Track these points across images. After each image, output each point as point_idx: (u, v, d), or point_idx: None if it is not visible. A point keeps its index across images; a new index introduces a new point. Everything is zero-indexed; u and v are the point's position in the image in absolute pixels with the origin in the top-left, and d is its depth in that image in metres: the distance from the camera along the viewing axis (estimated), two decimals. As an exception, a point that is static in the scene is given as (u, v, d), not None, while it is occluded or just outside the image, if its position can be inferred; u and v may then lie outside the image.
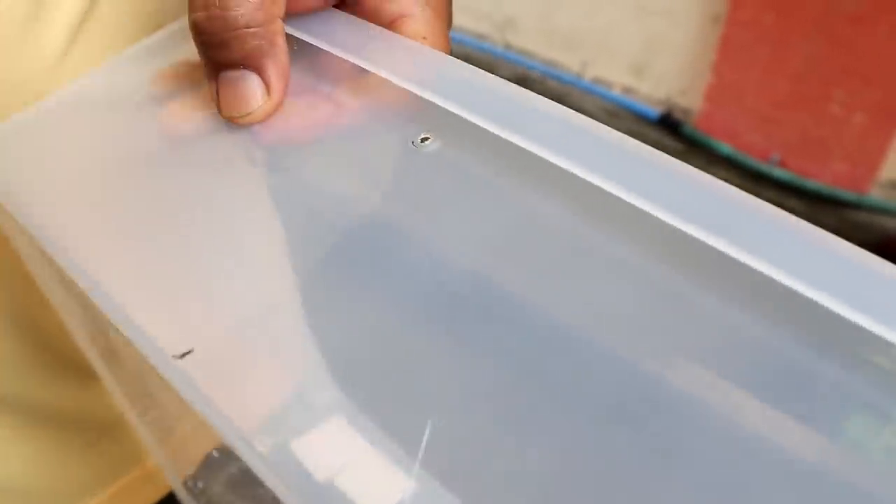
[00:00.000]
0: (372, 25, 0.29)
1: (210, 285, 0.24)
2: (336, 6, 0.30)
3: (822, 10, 1.21)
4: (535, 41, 1.65)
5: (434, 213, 0.25)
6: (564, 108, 0.24)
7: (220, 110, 0.27)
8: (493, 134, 0.23)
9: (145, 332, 0.22)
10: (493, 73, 0.26)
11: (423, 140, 0.25)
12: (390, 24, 0.29)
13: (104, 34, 0.35)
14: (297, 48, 0.29)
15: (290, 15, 0.28)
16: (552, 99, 0.24)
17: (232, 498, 0.34)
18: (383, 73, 0.27)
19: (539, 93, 0.24)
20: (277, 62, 0.26)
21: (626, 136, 0.23)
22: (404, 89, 0.26)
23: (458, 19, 1.73)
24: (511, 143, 0.23)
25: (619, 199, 0.22)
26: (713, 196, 0.21)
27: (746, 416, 0.18)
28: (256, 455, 0.20)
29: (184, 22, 0.29)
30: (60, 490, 0.42)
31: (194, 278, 0.24)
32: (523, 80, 1.59)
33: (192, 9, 0.26)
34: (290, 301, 0.24)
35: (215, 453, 0.33)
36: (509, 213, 0.24)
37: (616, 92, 1.58)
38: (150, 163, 0.28)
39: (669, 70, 1.49)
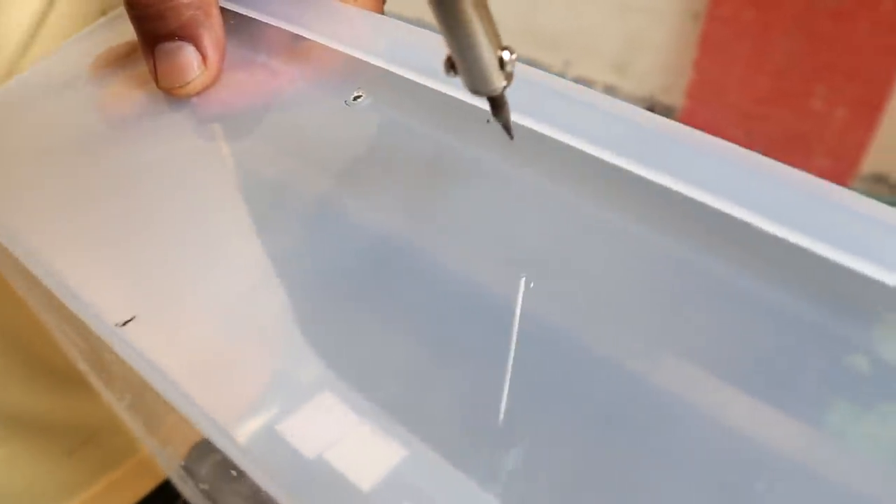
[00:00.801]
0: None
1: (176, 270, 0.24)
2: None
3: (802, 5, 1.21)
4: (516, 41, 1.65)
5: (370, 168, 0.25)
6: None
7: (156, 82, 0.27)
8: (421, 85, 0.24)
9: (102, 317, 0.22)
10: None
11: (355, 98, 0.26)
12: None
13: (62, 30, 0.35)
14: (234, 21, 0.29)
15: None
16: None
17: (225, 481, 0.34)
18: (315, 38, 0.27)
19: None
20: (213, 33, 0.27)
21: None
22: (336, 51, 0.27)
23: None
24: (441, 93, 0.23)
25: (546, 137, 0.22)
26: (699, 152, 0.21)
27: (728, 407, 0.18)
28: (236, 446, 0.19)
29: (122, 8, 0.29)
30: (40, 493, 0.41)
31: (158, 263, 0.24)
32: (505, 80, 1.58)
33: None
34: (253, 276, 0.24)
35: (204, 441, 0.34)
36: (437, 159, 0.24)
37: (599, 90, 1.58)
38: (95, 147, 0.28)
39: (651, 68, 1.50)
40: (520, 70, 0.20)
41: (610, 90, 1.57)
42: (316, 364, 0.21)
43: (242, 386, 0.21)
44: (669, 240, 0.21)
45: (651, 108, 1.50)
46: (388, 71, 0.25)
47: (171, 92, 0.27)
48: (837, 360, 0.18)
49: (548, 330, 0.20)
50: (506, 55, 0.18)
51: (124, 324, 0.22)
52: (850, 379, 0.17)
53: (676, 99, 1.47)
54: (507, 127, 0.20)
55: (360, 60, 0.26)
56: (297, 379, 0.21)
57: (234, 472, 0.20)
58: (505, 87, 0.19)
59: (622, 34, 1.50)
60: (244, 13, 0.29)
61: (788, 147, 1.35)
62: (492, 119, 0.20)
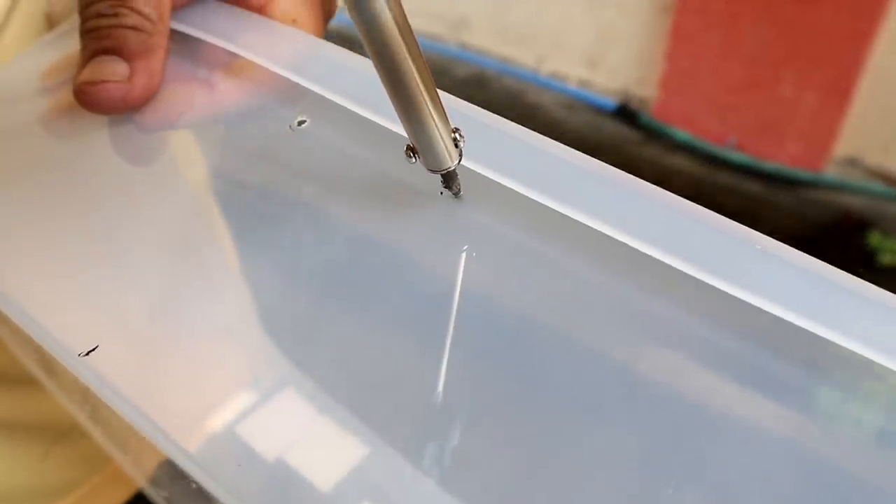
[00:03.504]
0: (244, 12, 0.30)
1: (124, 281, 0.24)
2: None
3: (768, -7, 1.23)
4: (489, 39, 1.66)
5: (319, 187, 0.25)
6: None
7: (74, 84, 0.27)
8: (356, 113, 0.25)
9: (56, 337, 0.22)
10: (448, 73, 0.27)
11: (300, 123, 0.27)
12: (260, 10, 0.30)
13: (26, 31, 0.35)
14: (179, 41, 0.29)
15: (171, 10, 0.29)
16: (510, 96, 0.25)
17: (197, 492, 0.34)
18: (256, 59, 0.28)
19: (496, 90, 0.25)
20: (150, 61, 0.27)
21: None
22: (275, 73, 0.27)
23: (412, 21, 1.72)
24: (375, 123, 0.25)
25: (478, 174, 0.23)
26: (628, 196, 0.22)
27: (716, 394, 0.19)
28: (184, 454, 0.20)
29: (75, 21, 0.29)
30: (17, 499, 0.41)
31: (109, 272, 0.24)
32: (479, 79, 1.59)
33: (84, 8, 0.27)
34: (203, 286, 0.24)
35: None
36: (387, 185, 0.25)
37: (572, 85, 1.59)
38: (43, 157, 0.28)
39: (624, 61, 1.51)
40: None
41: (584, 84, 1.58)
42: (275, 367, 0.21)
43: (202, 389, 0.21)
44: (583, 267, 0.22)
45: (625, 101, 1.52)
46: (325, 98, 0.26)
47: (84, 90, 0.27)
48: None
49: (498, 317, 0.21)
50: (457, 136, 0.22)
51: (88, 353, 0.22)
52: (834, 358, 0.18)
53: (649, 91, 1.48)
54: (456, 194, 0.24)
55: (301, 86, 0.27)
56: (257, 381, 0.21)
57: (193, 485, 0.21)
58: (457, 164, 0.22)
59: (594, 29, 1.51)
60: (188, 32, 0.30)
61: (761, 134, 1.37)
62: (444, 191, 0.23)
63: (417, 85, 0.20)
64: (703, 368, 0.19)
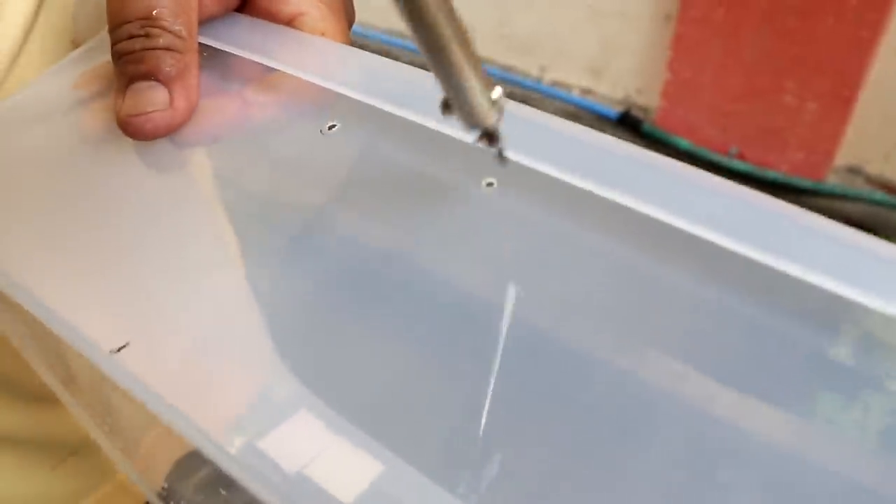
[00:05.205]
0: (274, 25, 0.30)
1: (157, 290, 0.24)
2: (236, 10, 0.31)
3: (770, 3, 1.23)
4: (492, 48, 1.67)
5: (348, 193, 0.26)
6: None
7: (118, 115, 0.27)
8: (390, 114, 0.25)
9: (96, 345, 0.22)
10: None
11: (330, 128, 0.27)
12: (288, 24, 0.31)
13: (53, 34, 0.36)
14: (207, 54, 0.30)
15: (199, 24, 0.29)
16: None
17: (203, 501, 0.34)
18: (287, 69, 0.28)
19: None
20: (186, 81, 0.27)
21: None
22: (307, 82, 0.28)
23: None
24: (409, 121, 0.24)
25: (524, 166, 0.23)
26: (666, 175, 0.22)
27: (718, 397, 0.19)
28: (226, 455, 0.20)
29: (104, 36, 0.29)
30: None
31: (139, 283, 0.25)
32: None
33: (114, 28, 0.27)
34: (238, 298, 0.24)
35: (185, 460, 0.34)
36: (422, 188, 0.25)
37: (575, 94, 1.60)
38: (77, 169, 0.29)
39: (626, 70, 1.51)
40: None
41: (586, 93, 1.58)
42: (296, 381, 0.21)
43: (223, 404, 0.21)
44: (639, 256, 0.22)
45: (627, 110, 1.52)
46: (359, 101, 0.26)
47: (129, 122, 0.27)
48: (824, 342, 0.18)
49: (529, 340, 0.20)
50: (495, 93, 0.21)
51: (119, 350, 0.22)
52: (836, 363, 0.18)
53: (652, 100, 1.49)
54: (501, 155, 0.22)
55: (332, 91, 0.27)
56: (278, 396, 0.21)
57: (222, 491, 0.21)
58: (497, 121, 0.21)
59: (596, 38, 1.51)
60: (217, 46, 0.30)
61: (763, 143, 1.37)
62: (488, 149, 0.22)
63: (451, 32, 0.18)
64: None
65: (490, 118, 0.21)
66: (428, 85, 0.25)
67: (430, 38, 0.18)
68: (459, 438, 0.19)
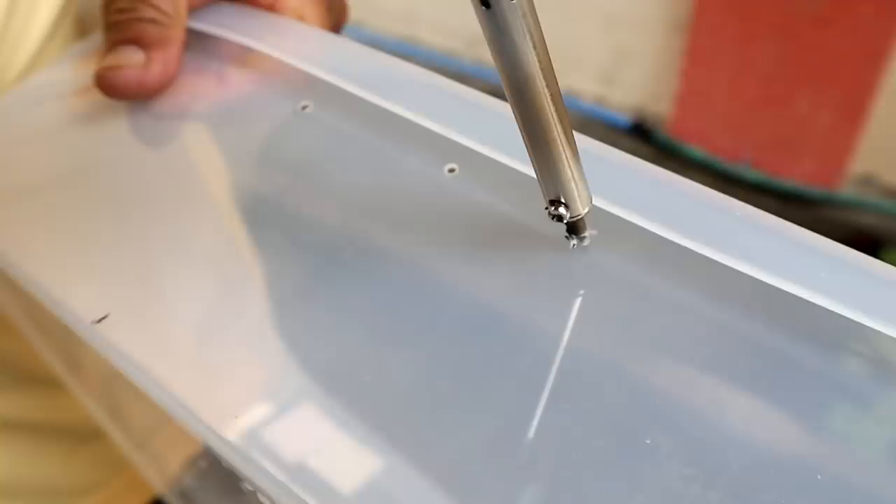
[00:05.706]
0: (255, 10, 0.32)
1: (158, 276, 0.25)
2: None
3: (783, 12, 1.23)
4: (505, 56, 1.67)
5: (321, 171, 0.27)
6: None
7: (95, 71, 0.28)
8: (360, 98, 0.27)
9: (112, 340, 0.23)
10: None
11: (303, 108, 0.28)
12: (269, 8, 0.32)
13: (77, 28, 0.37)
14: (193, 39, 0.31)
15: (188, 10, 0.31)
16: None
17: (216, 497, 0.34)
18: (266, 51, 0.30)
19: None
20: (166, 52, 0.29)
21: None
22: (284, 62, 0.29)
23: (429, 37, 1.74)
24: (380, 107, 0.26)
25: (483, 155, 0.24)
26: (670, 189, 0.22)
27: (730, 409, 0.19)
28: (230, 447, 0.20)
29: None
30: (43, 498, 0.42)
31: (142, 272, 0.25)
32: (496, 95, 1.60)
33: (107, 5, 0.29)
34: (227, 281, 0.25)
35: (198, 458, 0.34)
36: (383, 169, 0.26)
37: (588, 102, 1.60)
38: (68, 156, 0.30)
39: (639, 78, 1.51)
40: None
41: (599, 101, 1.58)
42: (299, 374, 0.22)
43: (229, 395, 0.22)
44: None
45: (640, 118, 1.52)
46: (330, 83, 0.28)
47: (102, 76, 0.28)
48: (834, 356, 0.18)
49: (529, 340, 0.21)
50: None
51: (99, 321, 0.23)
52: (848, 374, 0.18)
53: (664, 108, 1.49)
54: (582, 240, 0.22)
55: (308, 73, 0.29)
56: (282, 388, 0.21)
57: (227, 487, 0.21)
58: (587, 212, 0.21)
59: (609, 46, 1.51)
60: (202, 29, 0.32)
61: (776, 152, 1.37)
62: (571, 239, 0.22)
63: (562, 129, 0.19)
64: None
65: (584, 208, 0.21)
66: (401, 71, 0.27)
67: (539, 133, 0.19)
68: (463, 436, 0.19)
